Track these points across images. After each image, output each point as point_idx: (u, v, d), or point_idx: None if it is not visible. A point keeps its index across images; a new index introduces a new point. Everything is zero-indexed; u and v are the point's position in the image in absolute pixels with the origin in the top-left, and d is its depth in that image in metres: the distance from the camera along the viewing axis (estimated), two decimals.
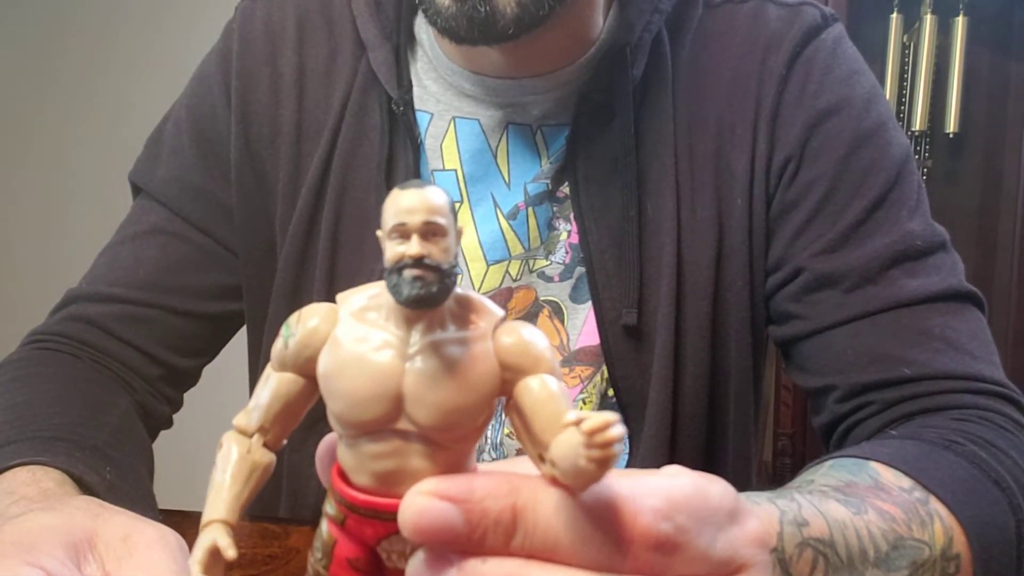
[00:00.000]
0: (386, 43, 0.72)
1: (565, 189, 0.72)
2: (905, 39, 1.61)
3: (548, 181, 0.72)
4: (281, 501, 0.77)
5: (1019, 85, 1.61)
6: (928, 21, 1.58)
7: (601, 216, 0.69)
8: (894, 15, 1.60)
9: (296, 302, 0.69)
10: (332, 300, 0.50)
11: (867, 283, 0.66)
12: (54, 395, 0.64)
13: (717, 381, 0.71)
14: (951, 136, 1.60)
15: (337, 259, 0.72)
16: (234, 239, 0.76)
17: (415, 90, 0.73)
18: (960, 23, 1.57)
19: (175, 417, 0.79)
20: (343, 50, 0.75)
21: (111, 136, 2.04)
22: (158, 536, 0.45)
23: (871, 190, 0.68)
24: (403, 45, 0.73)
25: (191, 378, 0.79)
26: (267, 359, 0.35)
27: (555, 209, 0.72)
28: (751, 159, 0.70)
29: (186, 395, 0.80)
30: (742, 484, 0.79)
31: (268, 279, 0.75)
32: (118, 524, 0.45)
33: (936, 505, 0.51)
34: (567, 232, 0.72)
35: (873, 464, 0.53)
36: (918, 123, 1.60)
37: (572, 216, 0.71)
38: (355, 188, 0.72)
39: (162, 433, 0.77)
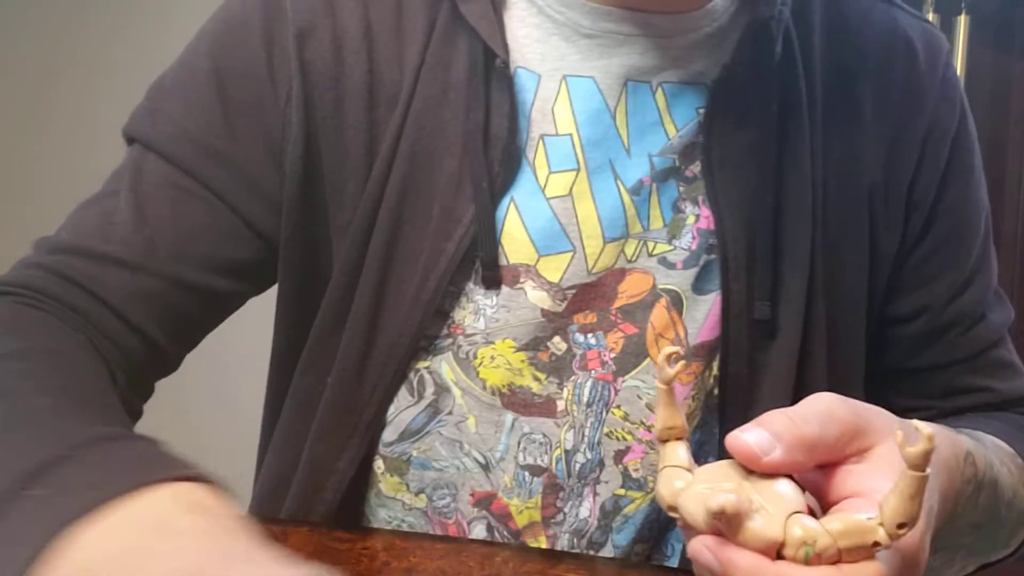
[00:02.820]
0: None
1: (695, 168, 0.67)
2: None
3: (676, 156, 0.67)
4: (289, 492, 0.70)
5: (1021, 84, 1.60)
6: (930, 20, 1.58)
7: (735, 203, 0.66)
8: None
9: (354, 281, 0.65)
10: (384, 280, 0.60)
11: (975, 326, 0.73)
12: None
13: (835, 388, 0.71)
14: None
15: (399, 234, 0.65)
16: (259, 214, 0.68)
17: (514, 45, 0.66)
18: (962, 22, 1.56)
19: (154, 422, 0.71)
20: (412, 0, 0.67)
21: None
22: None
23: (979, 229, 0.73)
24: None
25: (172, 366, 0.71)
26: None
27: (682, 189, 0.67)
28: (886, 167, 0.70)
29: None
30: None
31: (320, 258, 0.69)
32: None
33: None
34: (695, 216, 0.67)
35: (986, 435, 0.64)
36: None
37: (701, 199, 0.67)
38: (429, 154, 0.65)
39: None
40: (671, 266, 0.67)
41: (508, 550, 0.66)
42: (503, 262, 0.65)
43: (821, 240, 0.67)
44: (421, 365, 0.67)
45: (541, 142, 0.66)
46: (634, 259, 0.67)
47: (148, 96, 0.70)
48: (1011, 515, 0.63)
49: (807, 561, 0.41)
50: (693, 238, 0.67)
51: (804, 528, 0.41)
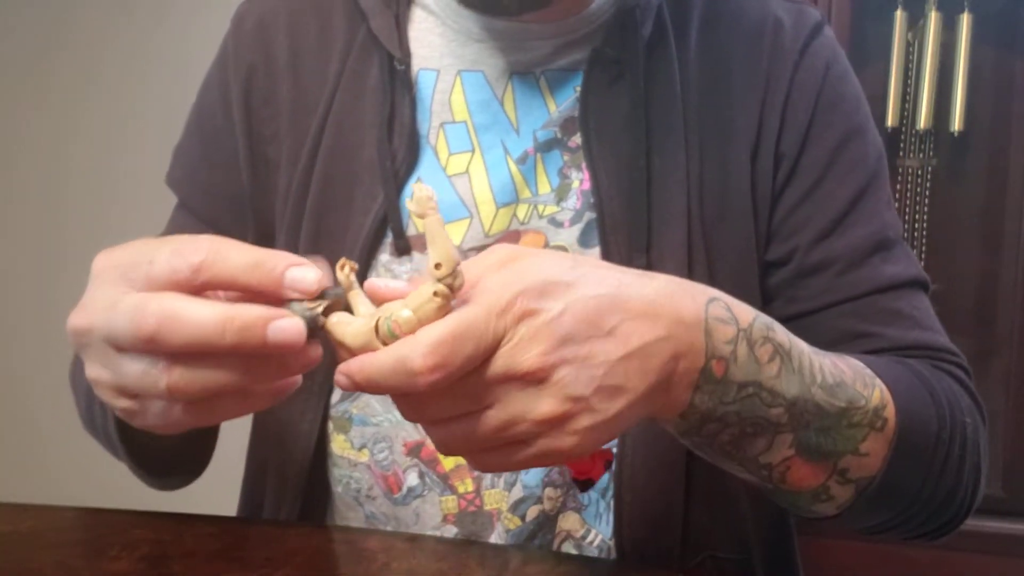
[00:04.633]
0: (387, 10, 0.77)
1: (577, 139, 0.76)
2: (909, 36, 1.61)
3: (557, 129, 0.76)
4: (269, 465, 0.80)
5: None
6: (932, 18, 1.57)
7: (612, 166, 0.74)
8: (898, 12, 1.59)
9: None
10: (316, 256, 0.62)
11: (852, 269, 0.75)
12: None
13: None
14: (956, 134, 1.59)
15: (325, 217, 0.76)
16: (242, 227, 0.82)
17: (419, 51, 0.78)
18: (965, 20, 1.56)
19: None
20: (334, 24, 0.80)
21: (109, 137, 2.04)
22: None
23: (855, 182, 0.77)
24: (401, 13, 0.78)
25: None
26: None
27: (567, 158, 0.76)
28: (758, 130, 0.76)
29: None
30: None
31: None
32: None
33: (879, 382, 0.63)
34: (579, 180, 0.76)
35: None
36: (923, 121, 1.59)
37: (584, 166, 0.75)
38: (347, 148, 0.77)
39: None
40: (559, 225, 0.76)
41: (508, 550, 0.66)
42: (412, 232, 0.75)
43: (698, 196, 0.74)
44: None
45: (441, 129, 0.77)
46: (527, 221, 0.76)
47: (172, 152, 0.87)
48: (835, 403, 0.58)
49: (391, 333, 0.47)
50: (577, 199, 0.76)
51: (380, 309, 0.49)
